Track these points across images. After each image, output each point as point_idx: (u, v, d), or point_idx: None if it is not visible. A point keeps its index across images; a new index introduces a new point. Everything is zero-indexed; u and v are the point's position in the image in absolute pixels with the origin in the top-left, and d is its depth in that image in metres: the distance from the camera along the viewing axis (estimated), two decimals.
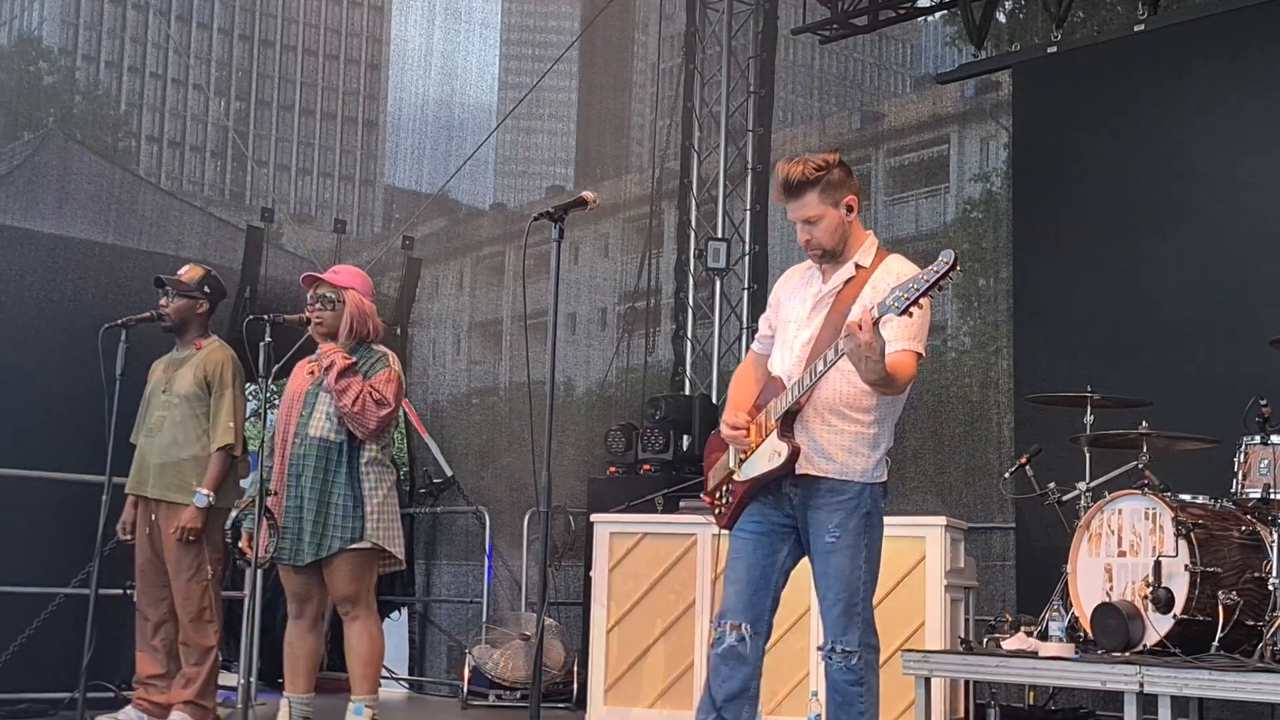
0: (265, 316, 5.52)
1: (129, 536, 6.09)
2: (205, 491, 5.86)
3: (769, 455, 3.98)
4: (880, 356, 3.76)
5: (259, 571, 5.53)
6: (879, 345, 3.73)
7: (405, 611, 9.44)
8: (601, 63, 12.24)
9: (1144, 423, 5.94)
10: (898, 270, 4.02)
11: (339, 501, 5.41)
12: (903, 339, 3.93)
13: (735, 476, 4.10)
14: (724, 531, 4.24)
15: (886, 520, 6.35)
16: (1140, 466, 5.91)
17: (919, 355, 4.00)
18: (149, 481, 6.00)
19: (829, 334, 3.97)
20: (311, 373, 5.62)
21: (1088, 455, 6.16)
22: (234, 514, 5.60)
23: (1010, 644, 5.69)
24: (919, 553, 6.12)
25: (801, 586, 6.26)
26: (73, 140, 8.47)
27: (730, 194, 9.40)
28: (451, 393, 11.31)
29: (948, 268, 3.59)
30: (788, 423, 3.97)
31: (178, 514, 5.89)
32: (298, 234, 10.91)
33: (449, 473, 9.68)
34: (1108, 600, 5.52)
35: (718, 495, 4.19)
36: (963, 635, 6.14)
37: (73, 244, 7.82)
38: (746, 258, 9.22)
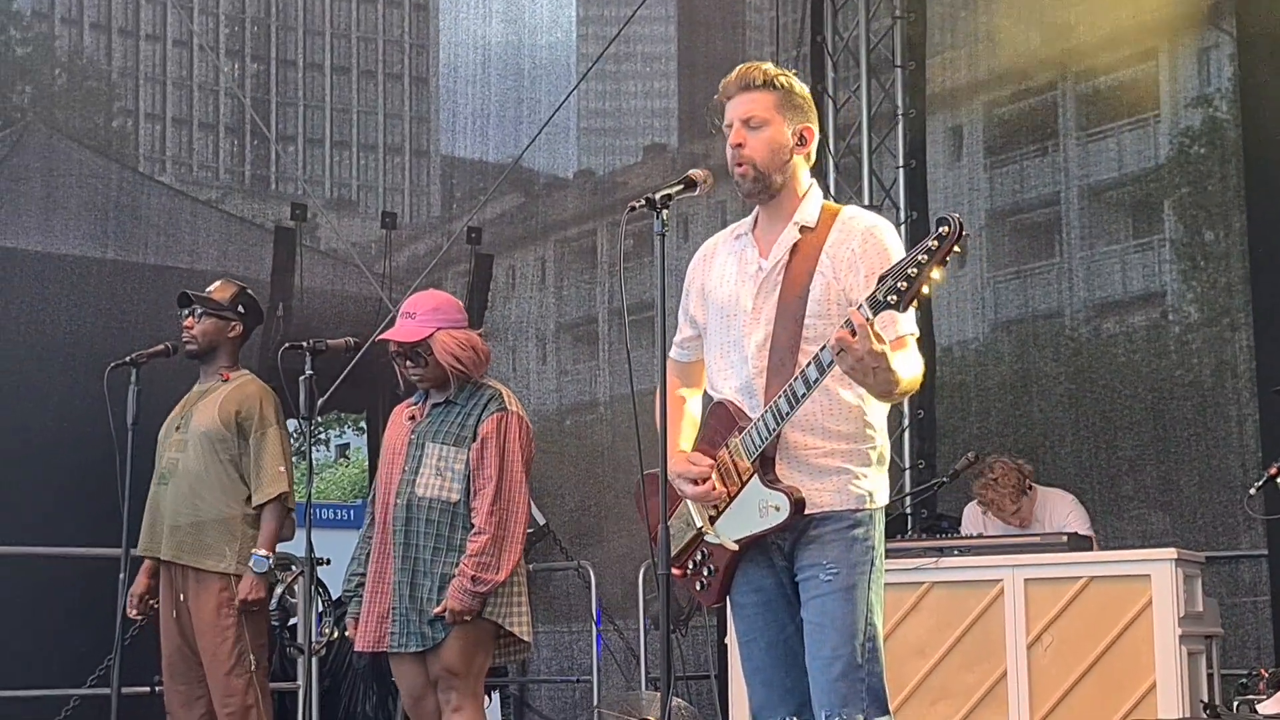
0: (304, 344, 5.61)
1: (141, 613, 6.12)
2: (264, 553, 5.87)
3: (759, 509, 3.88)
4: (888, 364, 3.66)
5: (313, 659, 5.61)
6: (882, 350, 3.62)
7: (497, 696, 9.52)
8: None
9: None
10: (862, 231, 3.93)
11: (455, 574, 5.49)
12: (895, 325, 3.81)
13: (709, 538, 4.02)
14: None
15: (1098, 556, 6.41)
16: None
17: (915, 336, 3.92)
18: (163, 541, 6.01)
19: (788, 330, 3.88)
20: (413, 417, 5.69)
21: None
22: (279, 590, 5.67)
23: (1268, 707, 5.66)
24: (1144, 595, 6.09)
25: None
26: (57, 133, 8.54)
27: (877, 148, 9.39)
28: (539, 414, 11.38)
29: (951, 239, 3.47)
30: (768, 463, 3.88)
31: (210, 586, 5.91)
32: (337, 227, 11.05)
33: (541, 521, 9.77)
34: None
35: (690, 566, 4.10)
36: (1205, 699, 6.10)
37: (64, 262, 7.92)
38: (903, 227, 9.17)
